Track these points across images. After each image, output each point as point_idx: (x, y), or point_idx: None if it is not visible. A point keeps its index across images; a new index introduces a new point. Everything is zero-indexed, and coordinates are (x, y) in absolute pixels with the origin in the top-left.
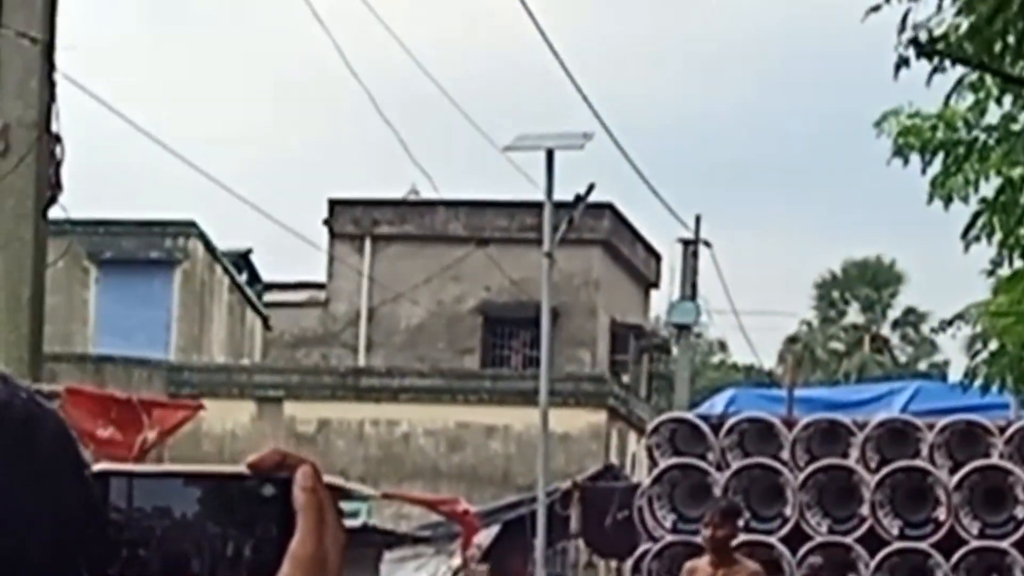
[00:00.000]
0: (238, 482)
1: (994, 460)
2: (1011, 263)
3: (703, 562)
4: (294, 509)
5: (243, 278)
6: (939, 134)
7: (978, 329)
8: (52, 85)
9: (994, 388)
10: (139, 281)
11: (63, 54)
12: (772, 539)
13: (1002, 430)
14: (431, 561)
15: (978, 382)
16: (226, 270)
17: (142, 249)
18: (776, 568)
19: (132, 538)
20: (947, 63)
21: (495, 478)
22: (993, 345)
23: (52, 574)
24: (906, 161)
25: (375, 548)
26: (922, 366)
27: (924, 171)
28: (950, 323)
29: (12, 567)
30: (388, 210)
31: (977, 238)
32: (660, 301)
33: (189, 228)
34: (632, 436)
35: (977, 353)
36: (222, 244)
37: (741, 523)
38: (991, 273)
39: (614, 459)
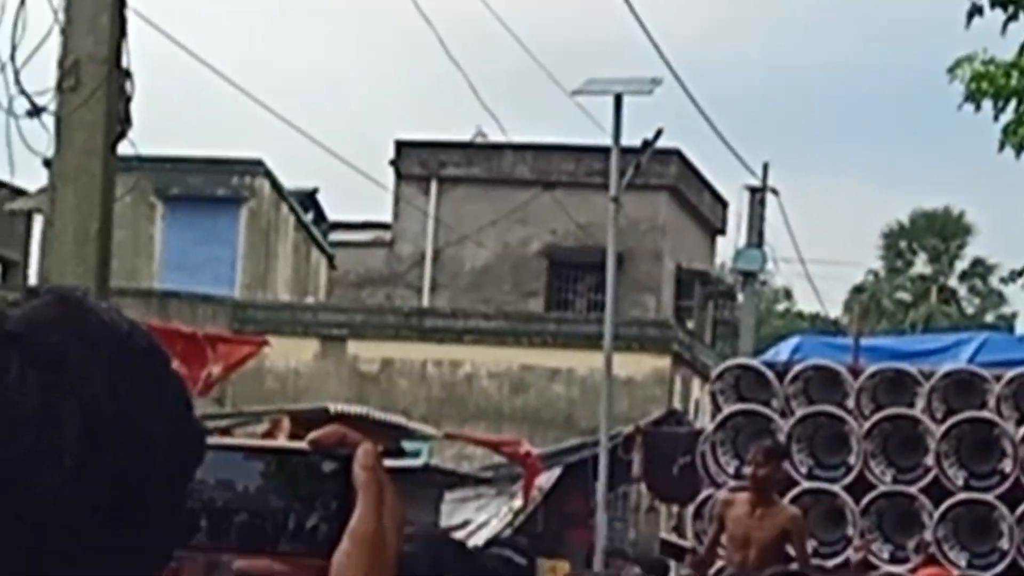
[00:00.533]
0: (299, 457)
1: None
2: None
3: (741, 497)
4: (354, 486)
5: (309, 217)
6: (1013, 82)
7: None
8: (123, 21)
9: None
10: (205, 218)
11: None
12: (835, 487)
13: None
14: (492, 502)
15: None
16: (292, 209)
17: (209, 186)
18: (839, 517)
19: (194, 509)
20: (1021, 12)
21: (558, 421)
22: None
23: (169, 499)
24: (978, 107)
25: (436, 489)
26: (989, 318)
27: (996, 118)
28: (1020, 273)
29: (136, 490)
30: (455, 152)
31: None
32: (726, 248)
33: (256, 166)
34: (696, 382)
35: None
36: (288, 183)
37: (785, 465)
38: None
39: (677, 405)
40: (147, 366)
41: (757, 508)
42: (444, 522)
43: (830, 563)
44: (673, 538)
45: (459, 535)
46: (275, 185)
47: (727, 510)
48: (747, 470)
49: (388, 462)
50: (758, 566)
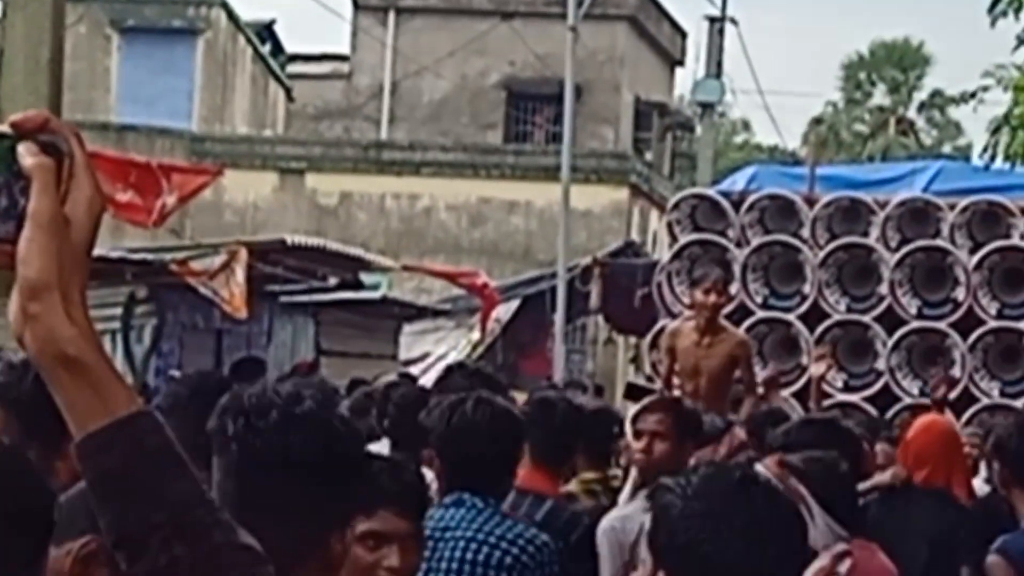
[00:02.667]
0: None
1: (1014, 240)
2: None
3: (688, 327)
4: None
5: (266, 49)
6: None
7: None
8: None
9: (1019, 167)
10: (161, 50)
11: None
12: (790, 316)
13: None
14: (450, 335)
15: (999, 159)
16: (249, 40)
17: (164, 18)
18: (793, 345)
19: None
20: None
21: (516, 253)
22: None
23: None
24: None
25: (394, 321)
26: (947, 149)
27: None
28: (972, 95)
29: None
30: None
31: (1004, 13)
32: (685, 79)
33: None
34: (654, 214)
35: (998, 129)
36: (245, 14)
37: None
38: (1018, 47)
39: (635, 236)
40: None
41: (706, 336)
42: (403, 355)
43: (785, 392)
44: (641, 381)
45: (418, 368)
46: (232, 16)
47: (675, 341)
48: (705, 298)
49: (347, 294)
50: (710, 395)
